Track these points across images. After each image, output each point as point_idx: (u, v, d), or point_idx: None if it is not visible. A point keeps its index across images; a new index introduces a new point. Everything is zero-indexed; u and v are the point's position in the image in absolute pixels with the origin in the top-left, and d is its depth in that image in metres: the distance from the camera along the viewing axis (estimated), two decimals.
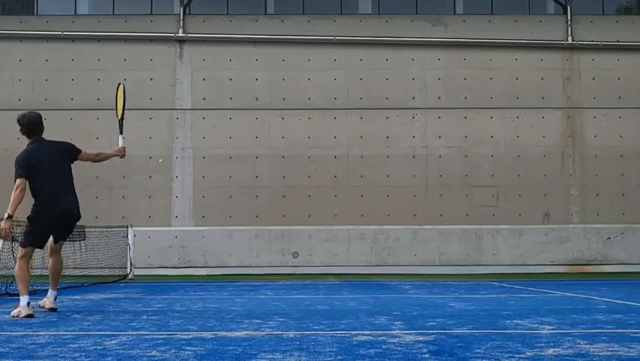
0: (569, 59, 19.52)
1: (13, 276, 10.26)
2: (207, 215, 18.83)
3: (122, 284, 13.67)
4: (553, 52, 19.53)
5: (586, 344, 4.79)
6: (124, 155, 7.98)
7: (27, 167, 7.13)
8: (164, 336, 5.38)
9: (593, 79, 19.46)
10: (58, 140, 7.75)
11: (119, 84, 8.35)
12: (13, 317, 6.84)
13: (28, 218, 7.23)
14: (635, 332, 5.49)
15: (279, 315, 7.03)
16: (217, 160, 18.99)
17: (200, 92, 19.25)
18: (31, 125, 7.42)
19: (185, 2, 19.34)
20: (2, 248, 9.99)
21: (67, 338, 5.26)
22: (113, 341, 5.03)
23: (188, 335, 5.46)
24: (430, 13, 19.72)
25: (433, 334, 5.41)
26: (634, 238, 18.54)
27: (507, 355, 4.31)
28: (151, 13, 19.76)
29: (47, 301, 7.54)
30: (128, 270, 15.50)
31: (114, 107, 8.51)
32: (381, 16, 19.73)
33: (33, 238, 7.21)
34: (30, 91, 19.11)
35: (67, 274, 13.22)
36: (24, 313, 6.82)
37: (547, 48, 19.51)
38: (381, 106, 19.16)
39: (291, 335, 5.38)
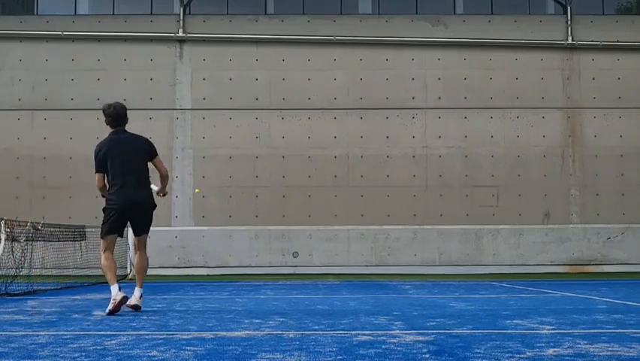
0: (569, 59, 19.52)
1: (13, 276, 10.28)
2: (207, 215, 18.83)
3: (122, 284, 13.61)
4: (553, 52, 19.53)
5: (586, 344, 4.79)
6: (165, 194, 7.96)
7: (103, 159, 7.34)
8: (164, 336, 5.38)
9: (593, 79, 19.46)
10: (139, 134, 7.85)
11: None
12: (109, 310, 6.97)
13: (103, 209, 7.44)
14: (635, 332, 5.49)
15: (279, 315, 7.03)
16: (217, 160, 18.99)
17: (200, 92, 19.26)
18: (117, 115, 7.48)
19: (185, 2, 19.34)
20: (2, 248, 9.99)
21: (67, 338, 5.26)
22: (113, 341, 5.04)
23: (188, 335, 5.46)
24: (430, 13, 19.72)
25: (433, 334, 5.41)
26: (634, 238, 18.53)
27: (507, 355, 4.31)
28: (151, 13, 19.76)
29: (133, 298, 7.46)
30: (128, 270, 15.49)
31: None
32: (381, 16, 19.73)
33: (108, 227, 7.37)
34: (30, 91, 19.11)
35: (67, 274, 13.27)
36: (118, 298, 6.96)
37: (547, 48, 19.51)
38: (381, 106, 19.17)
39: (291, 335, 5.38)
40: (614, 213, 18.94)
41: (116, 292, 7.02)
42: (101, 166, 7.37)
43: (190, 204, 18.88)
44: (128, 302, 7.27)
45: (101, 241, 7.44)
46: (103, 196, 7.50)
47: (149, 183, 7.61)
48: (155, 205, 7.59)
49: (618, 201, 19.03)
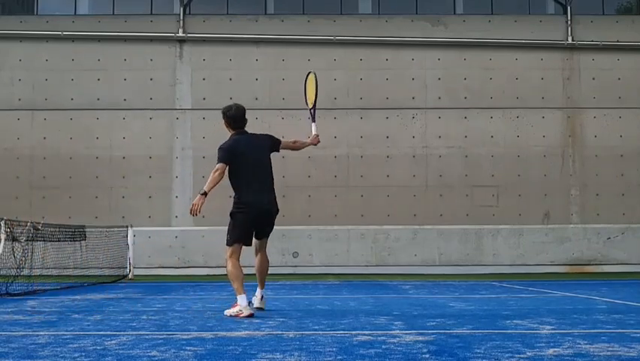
0: (569, 59, 19.52)
1: (13, 276, 10.28)
2: (207, 215, 18.75)
3: (122, 284, 13.67)
4: (554, 52, 19.53)
5: (586, 344, 4.79)
6: (318, 142, 7.87)
7: (232, 155, 7.10)
8: (164, 336, 5.38)
9: (593, 79, 19.46)
10: (258, 133, 7.57)
11: (310, 73, 8.06)
12: (231, 316, 6.78)
13: (230, 214, 7.22)
14: (635, 332, 5.49)
15: (279, 315, 7.03)
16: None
17: (200, 92, 19.25)
18: (238, 117, 7.32)
19: (185, 2, 19.34)
20: (3, 248, 9.99)
21: (67, 338, 5.26)
22: (113, 341, 5.04)
23: (188, 335, 5.46)
24: (430, 13, 19.71)
25: (433, 334, 5.41)
26: (634, 238, 18.53)
27: (507, 355, 4.31)
28: (151, 13, 19.76)
29: (255, 300, 7.39)
30: (128, 270, 15.50)
31: (304, 96, 8.10)
32: (381, 16, 19.73)
33: (238, 234, 7.13)
34: (30, 91, 19.11)
35: (67, 274, 13.28)
36: (245, 313, 6.71)
37: (548, 48, 19.51)
38: (381, 106, 19.16)
39: (291, 335, 5.38)
40: (614, 213, 18.94)
41: (245, 305, 6.78)
42: (227, 158, 7.08)
43: (190, 205, 18.84)
44: (253, 305, 7.24)
45: (227, 247, 7.17)
46: (204, 194, 7.15)
47: (273, 185, 7.42)
48: (278, 210, 7.43)
49: (618, 201, 19.02)
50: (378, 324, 6.15)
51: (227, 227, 7.30)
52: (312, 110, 7.89)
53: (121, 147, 18.95)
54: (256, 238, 7.32)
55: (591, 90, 19.41)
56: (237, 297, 6.86)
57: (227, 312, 6.95)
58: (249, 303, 6.97)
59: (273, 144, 7.51)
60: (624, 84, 19.41)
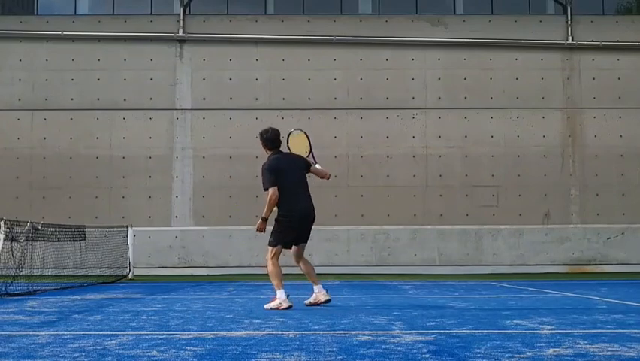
0: (569, 59, 19.52)
1: (13, 276, 10.28)
2: (207, 215, 18.83)
3: (122, 284, 13.67)
4: (554, 52, 19.53)
5: (586, 344, 4.79)
6: (329, 176, 8.44)
7: (277, 173, 7.85)
8: (164, 336, 5.38)
9: (593, 79, 19.46)
10: (292, 153, 8.33)
11: (295, 131, 8.49)
12: (271, 308, 7.53)
13: (276, 220, 7.98)
14: (635, 332, 5.49)
15: (278, 315, 7.03)
16: (217, 160, 18.99)
17: (200, 92, 19.25)
18: (275, 138, 8.10)
19: (185, 2, 19.34)
20: (2, 248, 9.99)
21: (67, 338, 5.26)
22: (113, 341, 5.03)
23: (188, 335, 5.46)
24: (430, 13, 19.72)
25: (433, 334, 5.41)
26: (634, 238, 18.53)
27: (507, 355, 4.31)
28: (151, 13, 19.77)
29: (320, 295, 8.04)
30: (128, 270, 15.50)
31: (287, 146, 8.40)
32: (381, 16, 19.73)
33: (282, 238, 7.94)
34: (30, 91, 19.11)
35: (67, 274, 13.28)
36: (285, 305, 7.55)
37: (547, 48, 19.51)
38: (381, 106, 19.16)
39: (291, 335, 5.38)
40: (614, 213, 18.94)
41: (284, 298, 7.61)
42: (276, 180, 7.83)
43: (190, 204, 18.88)
44: (318, 301, 8.00)
45: (269, 248, 7.93)
46: (271, 210, 7.91)
47: (310, 194, 8.16)
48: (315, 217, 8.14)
49: (618, 201, 19.02)
50: (378, 324, 6.15)
51: (270, 230, 8.03)
52: (311, 155, 8.39)
53: (121, 147, 18.95)
54: (296, 244, 8.11)
55: (591, 90, 19.41)
56: (277, 292, 7.68)
57: (268, 306, 7.66)
58: (289, 297, 7.69)
59: (306, 164, 8.26)
60: (624, 84, 19.41)
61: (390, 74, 19.28)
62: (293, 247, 8.09)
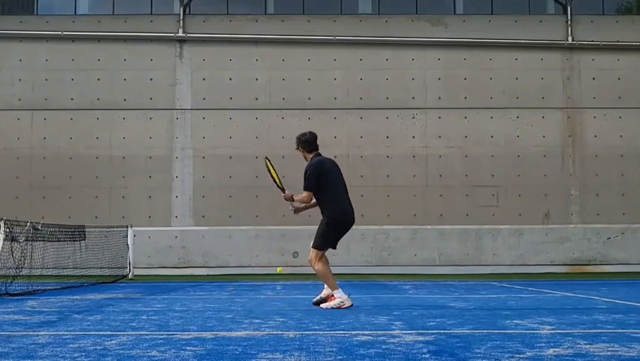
0: (569, 59, 19.52)
1: (13, 276, 10.28)
2: (207, 215, 18.83)
3: (122, 284, 13.67)
4: (554, 52, 19.53)
5: (586, 344, 4.79)
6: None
7: (325, 175, 8.05)
8: (164, 336, 5.38)
9: (593, 79, 19.46)
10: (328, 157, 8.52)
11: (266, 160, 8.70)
12: (333, 308, 7.59)
13: (326, 223, 7.99)
14: (635, 332, 5.49)
15: (279, 315, 7.03)
16: (217, 160, 18.98)
17: (200, 92, 19.25)
18: (314, 140, 8.31)
19: (185, 2, 19.34)
20: (2, 248, 9.99)
21: (67, 338, 5.26)
22: (113, 341, 5.03)
23: (188, 335, 5.46)
24: (430, 13, 19.72)
25: (433, 334, 5.41)
26: (634, 238, 18.53)
27: (507, 355, 4.31)
28: (151, 13, 19.76)
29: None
30: (128, 270, 15.50)
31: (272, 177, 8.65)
32: (381, 16, 19.73)
33: (330, 241, 8.02)
34: (30, 91, 19.11)
35: (67, 274, 13.28)
36: (347, 303, 7.67)
37: (547, 48, 19.51)
38: (381, 106, 19.17)
39: (291, 335, 5.38)
40: (614, 213, 18.94)
41: (346, 297, 7.75)
42: (316, 185, 8.00)
43: (190, 204, 18.88)
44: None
45: (315, 250, 7.95)
46: (295, 210, 8.27)
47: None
48: None
49: (618, 201, 19.02)
50: (378, 324, 6.15)
51: (317, 231, 8.03)
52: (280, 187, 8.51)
53: (121, 147, 18.95)
54: (334, 246, 8.20)
55: (591, 90, 19.41)
56: (334, 292, 7.78)
57: (327, 305, 7.70)
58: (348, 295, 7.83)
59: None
60: (624, 84, 19.41)
61: (390, 74, 19.28)
62: None
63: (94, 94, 19.08)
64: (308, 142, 8.26)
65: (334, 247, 8.13)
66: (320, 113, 19.01)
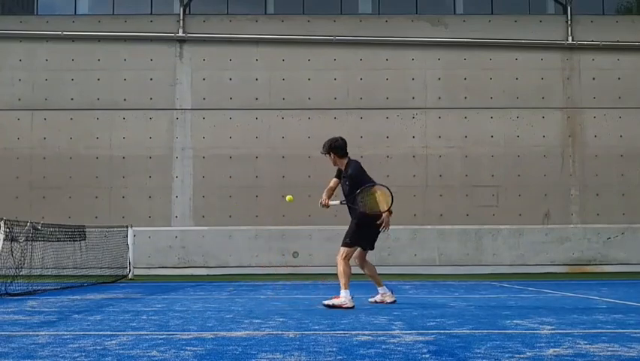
0: (569, 59, 19.52)
1: (13, 276, 10.28)
2: (207, 215, 18.83)
3: (122, 284, 13.67)
4: (554, 52, 19.53)
5: (586, 344, 4.79)
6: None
7: (364, 174, 8.63)
8: (164, 336, 5.38)
9: (593, 79, 19.46)
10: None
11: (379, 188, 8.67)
12: (333, 305, 7.72)
13: (356, 224, 8.33)
14: (635, 332, 5.49)
15: (279, 315, 7.03)
16: (217, 160, 18.98)
17: (200, 92, 19.25)
18: (344, 146, 8.63)
19: (185, 2, 19.33)
20: (2, 248, 9.99)
21: (67, 338, 5.26)
22: (113, 341, 5.04)
23: (188, 335, 5.46)
24: (430, 13, 19.71)
25: (433, 334, 5.41)
26: (634, 238, 18.53)
27: (507, 355, 4.31)
28: (151, 13, 19.76)
29: (386, 296, 8.55)
30: (128, 270, 15.50)
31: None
32: (381, 16, 19.73)
33: (360, 241, 8.38)
34: (30, 91, 19.11)
35: (66, 274, 13.28)
36: (349, 304, 7.76)
37: (547, 48, 19.51)
38: (381, 106, 19.16)
39: (291, 335, 5.38)
40: (614, 213, 18.93)
41: (349, 298, 7.84)
42: (361, 183, 8.38)
43: (190, 204, 18.88)
44: (384, 301, 8.47)
45: (344, 248, 8.29)
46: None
47: None
48: None
49: (618, 201, 19.02)
50: (378, 324, 6.16)
51: (345, 231, 8.41)
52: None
53: (121, 147, 18.95)
54: (371, 248, 8.64)
55: (591, 90, 19.41)
56: (342, 291, 7.92)
57: (329, 302, 7.84)
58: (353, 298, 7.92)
59: None
60: (624, 84, 19.41)
61: (390, 74, 19.28)
62: (359, 250, 8.45)
63: (94, 94, 19.08)
64: (340, 147, 8.52)
65: (372, 248, 8.49)
66: (320, 113, 19.01)
